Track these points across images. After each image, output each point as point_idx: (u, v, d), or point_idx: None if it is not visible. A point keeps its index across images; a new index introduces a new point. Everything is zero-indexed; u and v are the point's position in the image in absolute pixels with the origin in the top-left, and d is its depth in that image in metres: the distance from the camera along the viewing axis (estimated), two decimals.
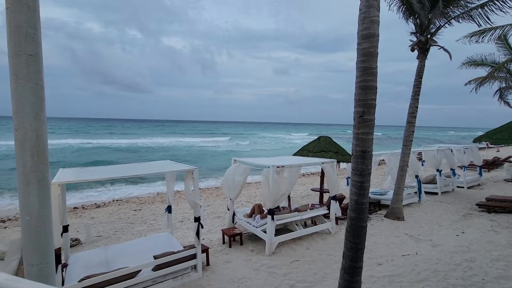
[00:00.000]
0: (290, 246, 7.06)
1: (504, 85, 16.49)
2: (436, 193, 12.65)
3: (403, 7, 8.75)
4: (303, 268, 5.82)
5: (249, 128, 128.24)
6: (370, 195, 10.80)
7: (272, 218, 6.78)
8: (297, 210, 7.86)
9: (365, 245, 3.37)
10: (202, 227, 5.72)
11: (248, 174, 7.94)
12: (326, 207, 8.36)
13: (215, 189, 15.94)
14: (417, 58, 8.83)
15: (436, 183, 12.94)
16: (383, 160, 16.21)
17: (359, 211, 3.24)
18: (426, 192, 12.24)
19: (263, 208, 7.94)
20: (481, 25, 8.31)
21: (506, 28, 12.31)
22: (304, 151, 10.17)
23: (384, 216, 9.42)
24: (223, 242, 7.42)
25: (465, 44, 12.32)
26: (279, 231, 7.44)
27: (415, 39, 8.84)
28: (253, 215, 7.92)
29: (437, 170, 13.23)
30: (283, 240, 7.00)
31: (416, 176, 11.45)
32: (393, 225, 8.55)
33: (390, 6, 8.94)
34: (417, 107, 8.77)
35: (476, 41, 12.73)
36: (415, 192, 11.43)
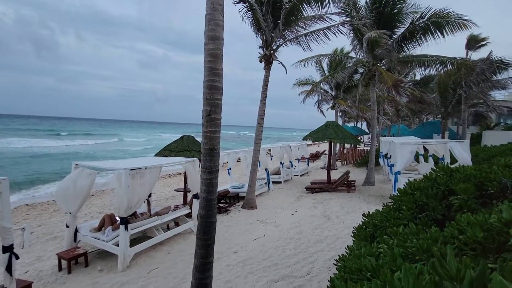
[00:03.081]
0: (149, 254, 6.54)
1: (320, 98, 22.43)
2: (280, 182, 15.42)
3: (254, 22, 10.02)
4: (162, 275, 5.52)
5: (107, 126, 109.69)
6: (230, 189, 11.77)
7: (126, 228, 6.03)
8: (157, 214, 7.39)
9: (215, 239, 3.56)
10: (17, 258, 4.26)
11: (94, 181, 6.68)
12: (189, 206, 8.35)
13: (51, 203, 12.47)
14: (264, 69, 10.38)
15: (280, 174, 15.79)
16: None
17: (208, 208, 3.39)
18: (273, 182, 14.67)
19: (116, 217, 6.93)
20: (305, 50, 10.81)
21: (321, 57, 16.65)
22: (166, 151, 9.71)
23: (241, 207, 10.50)
24: (60, 269, 5.89)
25: (303, 67, 15.73)
26: (137, 240, 6.72)
27: (262, 52, 10.35)
28: (103, 228, 6.76)
29: (281, 163, 16.21)
30: (140, 249, 6.39)
31: (266, 169, 13.49)
32: (248, 214, 9.67)
33: (243, 18, 10.04)
34: (264, 110, 10.32)
35: (304, 65, 16.45)
36: (265, 183, 13.46)
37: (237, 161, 20.37)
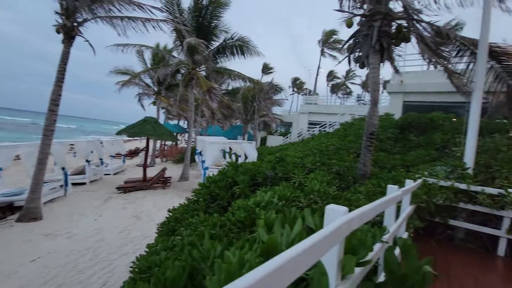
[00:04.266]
0: None
1: (141, 91, 21.12)
2: (85, 183, 12.92)
3: None
4: None
5: None
6: None
7: None
8: None
9: None
10: None
11: None
12: None
13: None
14: (62, 43, 8.28)
15: (85, 173, 13.24)
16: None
17: None
18: (75, 184, 12.06)
19: None
20: (120, 35, 9.70)
21: (143, 48, 15.68)
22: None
23: (16, 220, 7.77)
24: None
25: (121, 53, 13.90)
26: None
27: (60, 21, 8.20)
28: None
29: (87, 160, 13.62)
30: None
31: (63, 168, 10.83)
32: (26, 228, 7.31)
33: None
34: (60, 95, 8.22)
35: (122, 51, 14.82)
36: (61, 186, 10.78)
37: (16, 159, 15.05)
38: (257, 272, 0.79)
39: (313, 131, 19.33)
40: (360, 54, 6.41)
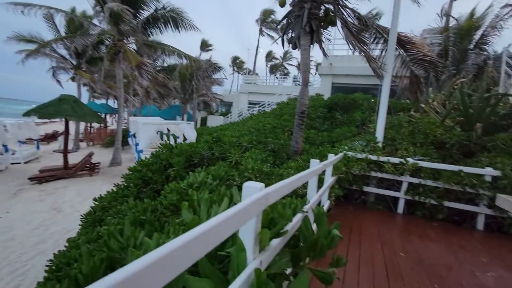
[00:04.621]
0: None
1: (55, 64, 17.90)
2: None
3: None
4: None
5: None
6: None
7: None
8: None
9: None
10: None
11: None
12: None
13: None
14: None
15: None
16: None
17: None
18: None
19: None
20: None
21: (53, 11, 13.10)
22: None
23: None
24: None
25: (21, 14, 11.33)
26: None
27: None
28: None
29: None
30: None
31: None
32: None
33: None
34: None
35: (22, 12, 12.15)
36: None
37: None
38: (162, 249, 0.78)
39: (253, 110, 19.66)
40: (293, 35, 6.61)
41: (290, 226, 1.84)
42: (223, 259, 1.56)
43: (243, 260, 1.31)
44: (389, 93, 5.90)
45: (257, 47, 35.05)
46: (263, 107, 19.64)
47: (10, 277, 4.32)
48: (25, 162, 13.93)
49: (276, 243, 1.61)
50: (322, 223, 1.86)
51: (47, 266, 2.87)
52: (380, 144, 5.63)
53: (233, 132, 8.25)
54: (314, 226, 1.98)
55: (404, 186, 4.96)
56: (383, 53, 6.93)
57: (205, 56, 30.19)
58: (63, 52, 17.28)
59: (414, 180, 4.85)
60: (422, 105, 7.22)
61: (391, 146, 5.53)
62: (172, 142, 14.26)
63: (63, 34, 16.32)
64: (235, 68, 42.85)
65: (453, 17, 9.73)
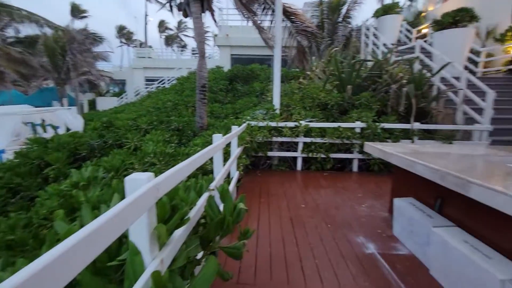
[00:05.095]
0: None
1: None
2: None
3: None
4: None
5: None
6: None
7: None
8: None
9: None
10: None
11: None
12: None
13: None
14: None
15: None
16: None
17: None
18: None
19: None
20: None
21: None
22: None
23: None
24: None
25: None
26: None
27: None
28: None
29: None
30: None
31: None
32: None
33: None
34: None
35: None
36: None
37: None
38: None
39: (151, 88, 17.88)
40: (182, 0, 6.08)
41: (195, 211, 1.78)
42: (118, 268, 1.36)
43: (139, 264, 1.18)
44: (281, 63, 6.33)
45: (146, 15, 31.07)
46: (162, 84, 18.08)
47: None
48: None
49: (180, 233, 1.52)
50: (227, 200, 1.88)
51: None
52: (278, 111, 6.11)
53: (128, 114, 7.31)
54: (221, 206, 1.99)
55: (300, 146, 5.64)
56: (273, 24, 7.26)
57: (79, 24, 24.74)
58: None
59: (307, 140, 5.57)
60: (308, 72, 8.15)
61: (287, 112, 6.09)
62: (48, 135, 11.68)
63: None
64: (123, 40, 37.13)
65: None
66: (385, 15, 10.59)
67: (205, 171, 3.75)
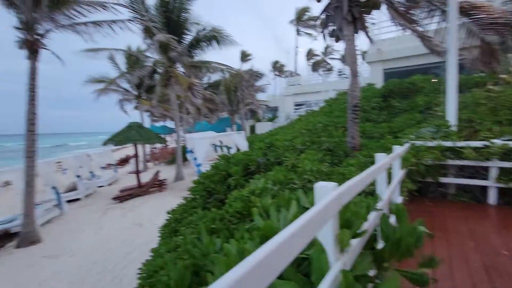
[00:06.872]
0: None
1: (121, 97, 20.55)
2: (79, 199, 12.69)
3: None
4: None
5: None
6: None
7: None
8: None
9: None
10: None
11: None
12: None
13: None
14: (28, 59, 7.88)
15: (78, 189, 12.98)
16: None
17: None
18: (70, 200, 11.83)
19: None
20: (87, 41, 9.30)
21: (114, 52, 15.14)
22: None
23: (15, 247, 7.62)
24: None
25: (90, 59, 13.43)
26: None
27: (22, 36, 7.77)
28: None
29: (77, 175, 13.33)
30: None
31: (53, 188, 10.58)
32: (27, 253, 7.19)
33: None
34: (35, 114, 7.90)
35: (94, 57, 14.25)
36: (55, 205, 10.56)
37: (5, 185, 14.82)
38: (252, 258, 0.80)
39: (300, 111, 19.38)
40: (334, 27, 6.36)
41: (366, 226, 1.73)
42: (300, 262, 1.53)
43: (324, 262, 1.26)
44: (457, 68, 5.18)
45: (296, 47, 34.71)
46: (310, 107, 19.21)
47: (111, 284, 4.99)
48: (109, 185, 16.14)
49: (355, 244, 1.52)
50: (403, 220, 1.69)
51: (138, 273, 3.22)
52: (454, 128, 4.95)
53: (284, 136, 8.23)
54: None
55: (493, 173, 4.24)
56: (443, 26, 6.15)
57: (246, 66, 31.12)
58: (126, 85, 19.78)
59: (505, 165, 4.12)
60: (503, 76, 6.14)
61: (469, 128, 4.81)
62: (227, 153, 14.90)
63: (123, 70, 18.71)
64: (276, 72, 43.07)
65: None
66: None
67: (364, 193, 3.55)
